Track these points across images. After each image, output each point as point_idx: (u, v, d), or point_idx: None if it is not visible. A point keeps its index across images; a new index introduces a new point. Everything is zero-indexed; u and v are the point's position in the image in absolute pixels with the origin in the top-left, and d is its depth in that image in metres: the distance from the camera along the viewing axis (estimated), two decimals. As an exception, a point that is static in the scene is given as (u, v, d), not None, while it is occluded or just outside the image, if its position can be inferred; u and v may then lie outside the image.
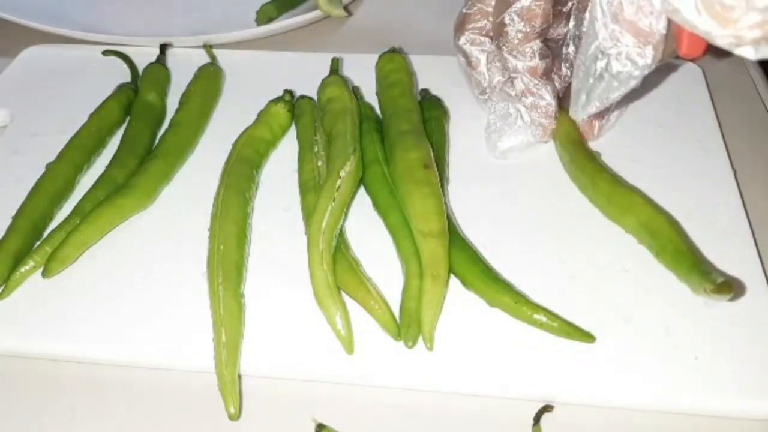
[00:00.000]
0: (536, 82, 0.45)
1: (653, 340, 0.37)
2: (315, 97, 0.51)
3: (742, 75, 0.56)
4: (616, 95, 0.39)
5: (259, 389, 0.37)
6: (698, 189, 0.45)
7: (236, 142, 0.47)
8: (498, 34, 0.45)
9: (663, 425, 0.35)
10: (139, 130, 0.49)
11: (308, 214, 0.43)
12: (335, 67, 0.52)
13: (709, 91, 0.53)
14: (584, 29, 0.39)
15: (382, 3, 0.69)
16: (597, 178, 0.43)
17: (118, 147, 0.48)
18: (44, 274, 0.40)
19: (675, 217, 0.41)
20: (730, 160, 0.47)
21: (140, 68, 0.55)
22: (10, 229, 0.42)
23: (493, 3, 0.47)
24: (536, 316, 0.37)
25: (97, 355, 0.38)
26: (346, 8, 0.64)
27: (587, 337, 0.37)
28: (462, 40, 0.49)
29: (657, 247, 0.40)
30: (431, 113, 0.49)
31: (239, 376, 0.36)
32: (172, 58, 0.58)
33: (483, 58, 0.49)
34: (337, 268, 0.39)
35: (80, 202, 0.44)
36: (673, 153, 0.48)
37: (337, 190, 0.41)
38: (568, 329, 0.37)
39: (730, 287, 0.35)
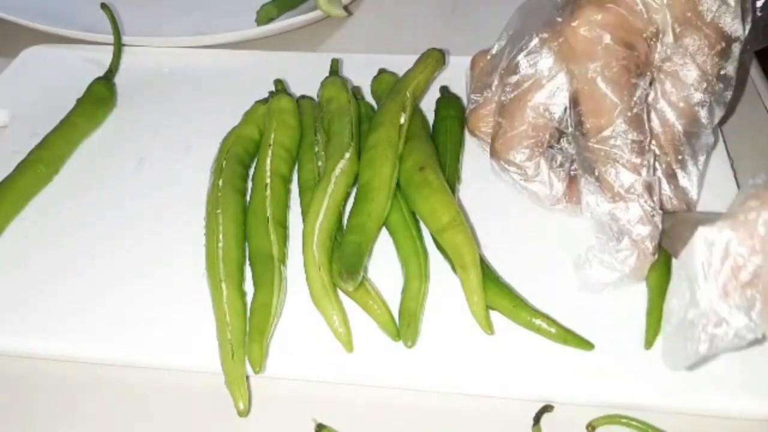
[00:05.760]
0: (652, 204, 0.37)
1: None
2: (316, 97, 0.51)
3: (742, 75, 0.56)
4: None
5: (259, 389, 0.37)
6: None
7: (224, 140, 0.47)
8: (596, 141, 0.37)
9: (663, 425, 0.35)
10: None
11: (304, 214, 0.43)
12: (334, 68, 0.52)
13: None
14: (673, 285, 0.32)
15: (382, 3, 0.69)
16: None
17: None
18: None
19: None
20: (731, 160, 0.47)
21: (138, 68, 0.55)
22: None
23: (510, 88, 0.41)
24: (535, 320, 0.37)
25: (97, 355, 0.38)
26: (346, 8, 0.64)
27: (585, 344, 0.37)
28: (517, 157, 0.41)
29: None
30: (448, 111, 0.49)
31: (239, 376, 0.36)
32: (172, 58, 0.58)
33: (544, 163, 0.41)
34: (335, 268, 0.39)
35: None
36: (673, 153, 0.48)
37: (331, 190, 0.41)
38: (566, 336, 0.37)
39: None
